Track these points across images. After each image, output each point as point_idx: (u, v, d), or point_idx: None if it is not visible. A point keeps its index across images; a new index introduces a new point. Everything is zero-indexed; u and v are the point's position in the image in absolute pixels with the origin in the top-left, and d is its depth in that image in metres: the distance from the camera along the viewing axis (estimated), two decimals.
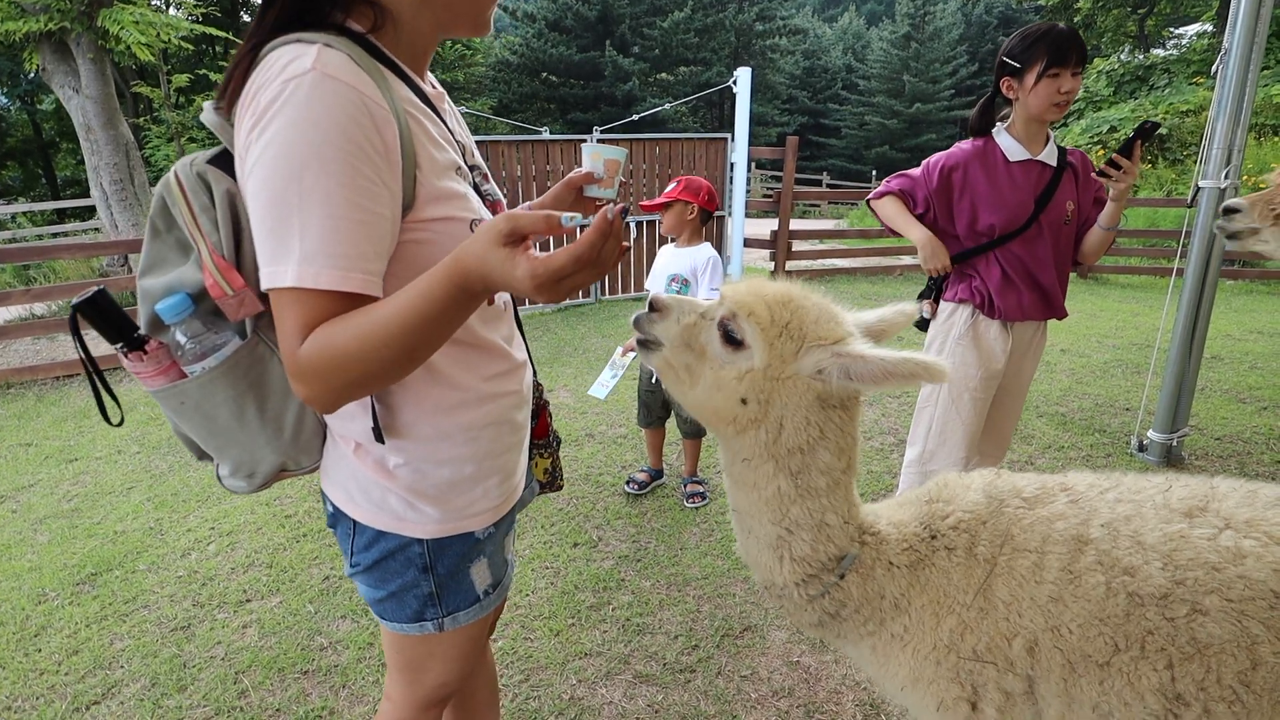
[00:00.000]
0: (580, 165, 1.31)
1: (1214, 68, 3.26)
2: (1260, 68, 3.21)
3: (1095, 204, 2.44)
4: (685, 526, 3.18)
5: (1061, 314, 2.51)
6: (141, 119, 16.03)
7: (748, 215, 8.60)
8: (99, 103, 9.07)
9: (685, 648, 2.42)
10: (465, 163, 1.08)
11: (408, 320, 0.83)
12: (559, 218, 0.81)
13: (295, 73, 0.82)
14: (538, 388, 1.34)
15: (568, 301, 7.87)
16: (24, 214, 16.33)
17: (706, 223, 3.34)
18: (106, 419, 1.04)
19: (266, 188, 0.83)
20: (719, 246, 8.37)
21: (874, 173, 27.88)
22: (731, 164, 8.14)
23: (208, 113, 0.95)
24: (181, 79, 12.08)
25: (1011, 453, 3.85)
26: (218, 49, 15.38)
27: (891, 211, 2.51)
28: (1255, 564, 0.98)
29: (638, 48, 31.19)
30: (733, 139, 8.07)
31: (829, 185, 23.58)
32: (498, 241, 0.80)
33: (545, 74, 31.16)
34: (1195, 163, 12.48)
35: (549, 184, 7.63)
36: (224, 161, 0.94)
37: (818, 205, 20.92)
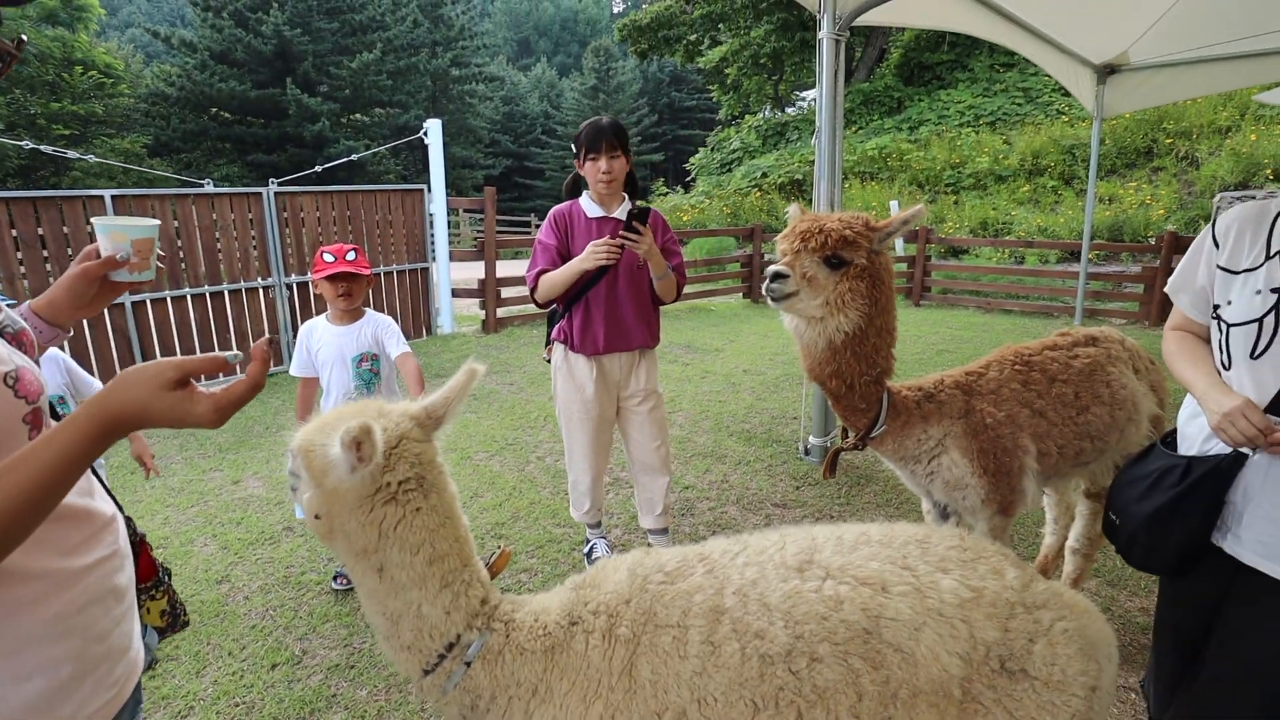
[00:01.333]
0: (100, 247, 1.09)
1: (813, 140, 4.06)
2: (843, 139, 4.06)
3: (664, 252, 2.91)
4: None
5: (649, 344, 3.05)
6: None
7: (456, 260, 8.50)
8: None
9: None
10: None
11: (41, 488, 0.76)
12: (225, 358, 0.88)
13: None
14: (130, 524, 1.16)
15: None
16: None
17: None
18: None
19: None
20: (426, 298, 8.12)
21: None
22: (431, 214, 7.98)
23: None
24: None
25: (710, 473, 4.30)
26: None
27: (549, 281, 2.85)
28: (850, 607, 1.16)
29: (325, 87, 29.18)
30: (429, 189, 7.93)
31: (537, 226, 24.46)
32: (166, 387, 0.82)
33: (215, 110, 27.56)
34: None
35: (218, 240, 6.70)
36: None
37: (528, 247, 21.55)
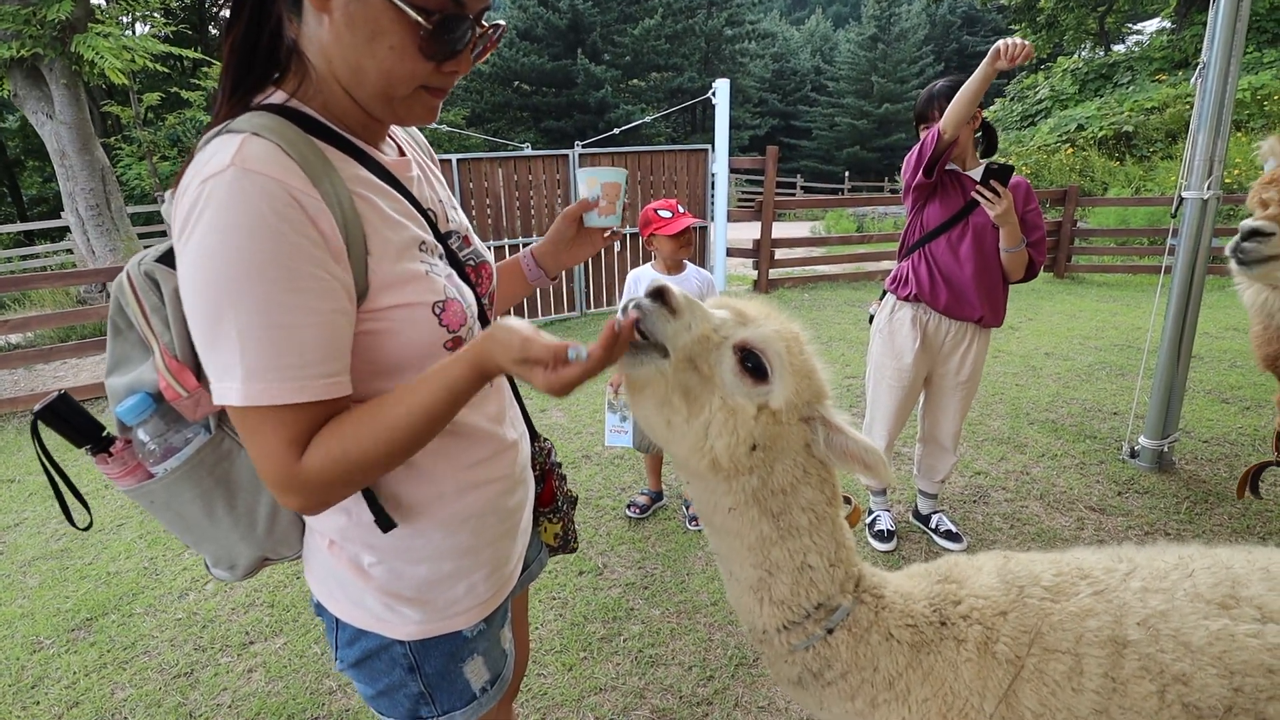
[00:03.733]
0: (576, 190, 1.21)
1: (1193, 80, 3.34)
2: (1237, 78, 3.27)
3: (1023, 225, 2.66)
4: (690, 551, 3.18)
5: (986, 321, 2.81)
6: (112, 138, 15.67)
7: (731, 221, 8.64)
8: (73, 128, 8.89)
9: (700, 679, 2.41)
10: (436, 232, 1.01)
11: (431, 414, 0.85)
12: (566, 351, 0.84)
13: (212, 171, 0.77)
14: (546, 452, 1.29)
15: (554, 315, 7.85)
16: None
17: None
18: (72, 523, 1.01)
19: (198, 302, 0.78)
20: (702, 256, 8.40)
21: (846, 173, 28.14)
22: (713, 174, 8.18)
23: (166, 204, 0.91)
24: (152, 97, 11.86)
25: (1005, 461, 3.91)
26: (186, 64, 15.12)
27: (926, 138, 2.63)
28: None
29: (609, 55, 31.22)
30: (713, 149, 8.11)
31: (803, 188, 23.81)
32: (517, 358, 0.84)
33: (517, 83, 31.08)
34: (1161, 159, 12.77)
35: (530, 198, 7.61)
36: (173, 259, 0.88)
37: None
